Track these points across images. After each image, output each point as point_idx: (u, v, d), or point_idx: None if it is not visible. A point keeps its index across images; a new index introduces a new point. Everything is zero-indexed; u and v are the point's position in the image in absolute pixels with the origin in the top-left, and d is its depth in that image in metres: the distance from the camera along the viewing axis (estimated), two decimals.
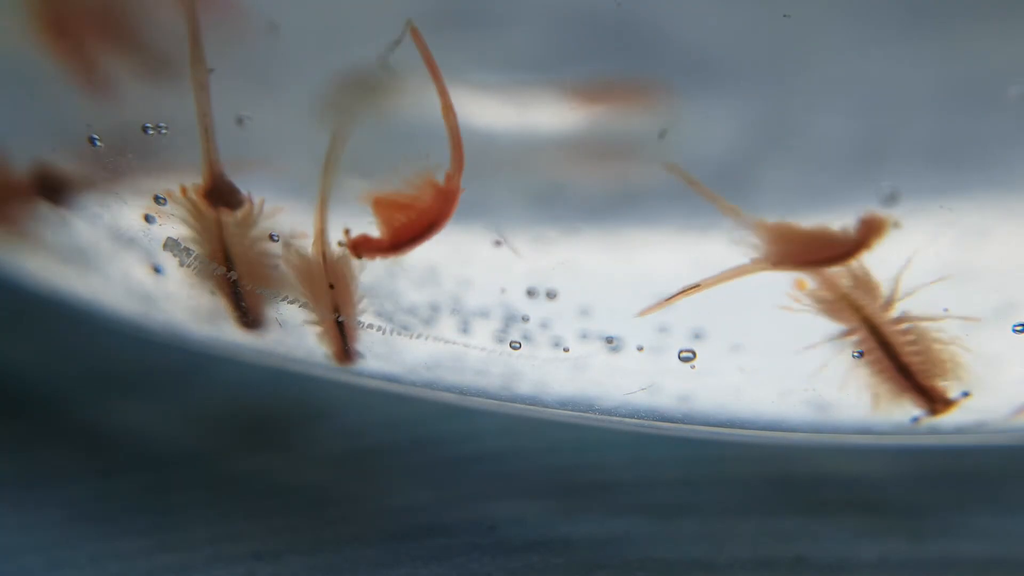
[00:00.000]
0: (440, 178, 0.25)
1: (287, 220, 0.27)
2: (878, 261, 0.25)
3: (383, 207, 0.26)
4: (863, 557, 0.28)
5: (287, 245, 0.27)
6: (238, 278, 0.27)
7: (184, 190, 0.27)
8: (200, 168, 0.26)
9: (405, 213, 0.26)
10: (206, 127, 0.26)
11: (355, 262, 0.26)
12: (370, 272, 0.27)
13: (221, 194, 0.27)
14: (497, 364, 0.27)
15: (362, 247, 0.26)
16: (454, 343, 0.27)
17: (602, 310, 0.27)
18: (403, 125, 0.26)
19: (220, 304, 0.28)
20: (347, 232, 0.26)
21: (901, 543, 0.28)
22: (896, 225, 0.25)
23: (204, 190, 0.27)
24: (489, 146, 0.26)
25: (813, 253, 0.25)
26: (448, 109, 0.25)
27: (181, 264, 0.28)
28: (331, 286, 0.27)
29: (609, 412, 0.28)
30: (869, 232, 0.25)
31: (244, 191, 0.27)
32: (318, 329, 0.27)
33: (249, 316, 0.28)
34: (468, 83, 0.26)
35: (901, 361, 0.26)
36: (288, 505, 0.30)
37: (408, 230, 0.26)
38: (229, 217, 0.27)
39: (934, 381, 0.26)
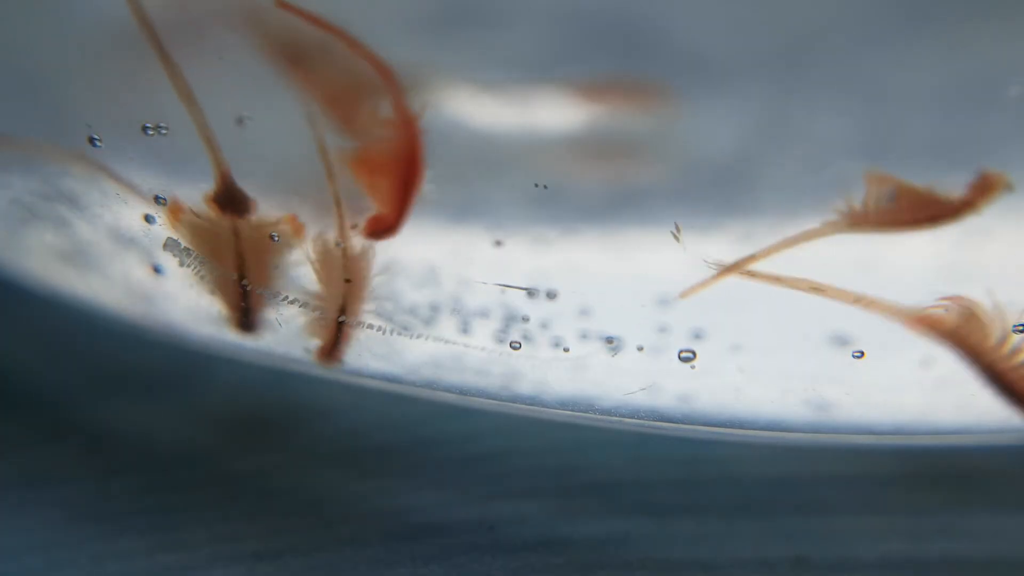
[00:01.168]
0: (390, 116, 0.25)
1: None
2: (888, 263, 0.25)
3: (362, 170, 0.26)
4: (863, 557, 0.28)
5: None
6: (247, 282, 0.27)
7: (177, 211, 0.27)
8: (201, 169, 0.27)
9: (385, 172, 0.26)
10: (206, 135, 0.26)
11: (372, 260, 0.26)
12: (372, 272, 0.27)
13: (231, 199, 0.27)
14: (497, 364, 0.27)
15: (376, 230, 0.26)
16: (454, 343, 0.27)
17: (602, 310, 0.27)
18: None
19: (220, 305, 0.28)
20: (355, 227, 0.26)
21: (901, 543, 0.28)
22: (1010, 188, 0.24)
23: (214, 196, 0.27)
24: (489, 146, 0.26)
25: (909, 213, 0.24)
26: (351, 44, 0.25)
27: (181, 264, 0.28)
28: (347, 280, 0.26)
29: (609, 412, 0.28)
30: (981, 191, 0.24)
31: (250, 194, 0.27)
32: (315, 323, 0.27)
33: (249, 319, 0.28)
34: (468, 83, 0.26)
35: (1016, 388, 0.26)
36: (288, 505, 0.30)
37: (399, 186, 0.26)
38: (241, 222, 0.27)
39: None
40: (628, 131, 0.26)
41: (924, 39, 0.24)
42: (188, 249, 0.27)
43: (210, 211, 0.27)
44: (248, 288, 0.27)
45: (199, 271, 0.27)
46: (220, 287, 0.28)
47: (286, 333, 0.28)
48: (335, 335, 0.27)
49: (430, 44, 0.25)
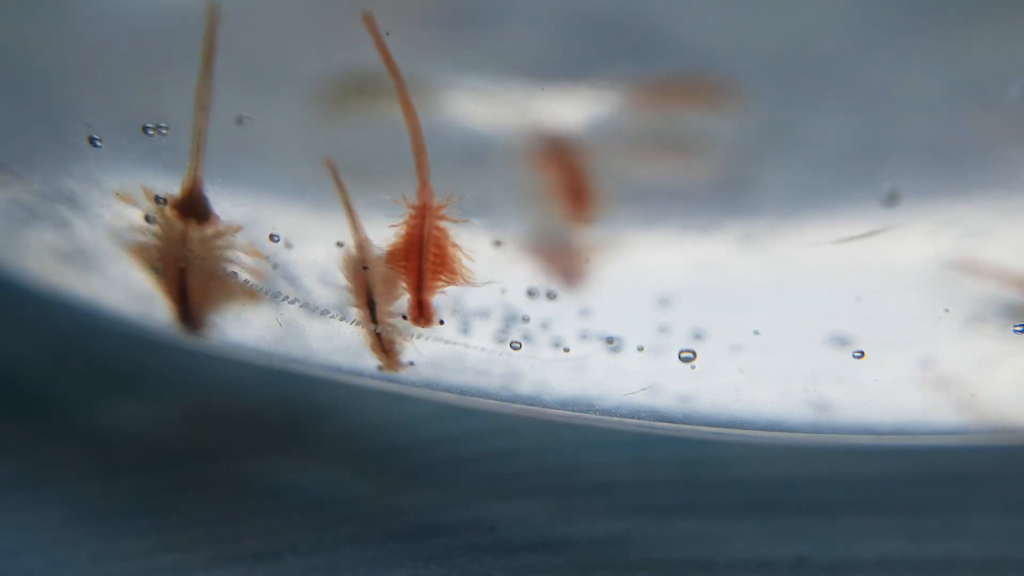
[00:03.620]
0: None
1: (289, 222, 0.27)
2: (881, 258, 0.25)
3: (395, 260, 0.26)
4: (863, 557, 0.28)
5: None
6: (189, 286, 0.27)
7: (151, 196, 0.27)
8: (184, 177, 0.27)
9: (405, 255, 0.26)
10: (199, 145, 0.26)
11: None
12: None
13: (193, 208, 0.27)
14: (497, 364, 0.27)
15: (423, 315, 0.26)
16: (454, 343, 0.27)
17: (602, 310, 0.27)
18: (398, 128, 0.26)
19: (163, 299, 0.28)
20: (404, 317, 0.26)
21: (901, 543, 0.28)
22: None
23: (177, 201, 0.27)
24: (489, 147, 0.26)
25: None
26: (408, 108, 0.25)
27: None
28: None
29: (609, 412, 0.28)
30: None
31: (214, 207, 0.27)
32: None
33: (190, 319, 0.28)
34: (468, 85, 0.26)
35: None
36: (288, 505, 0.30)
37: (414, 270, 0.26)
38: (195, 231, 0.27)
39: None
40: (631, 131, 0.26)
41: (924, 40, 0.24)
42: (189, 249, 0.27)
43: (169, 214, 0.27)
44: (194, 293, 0.27)
45: (154, 272, 0.28)
46: (167, 284, 0.28)
47: (287, 333, 0.28)
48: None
49: (431, 44, 0.25)
